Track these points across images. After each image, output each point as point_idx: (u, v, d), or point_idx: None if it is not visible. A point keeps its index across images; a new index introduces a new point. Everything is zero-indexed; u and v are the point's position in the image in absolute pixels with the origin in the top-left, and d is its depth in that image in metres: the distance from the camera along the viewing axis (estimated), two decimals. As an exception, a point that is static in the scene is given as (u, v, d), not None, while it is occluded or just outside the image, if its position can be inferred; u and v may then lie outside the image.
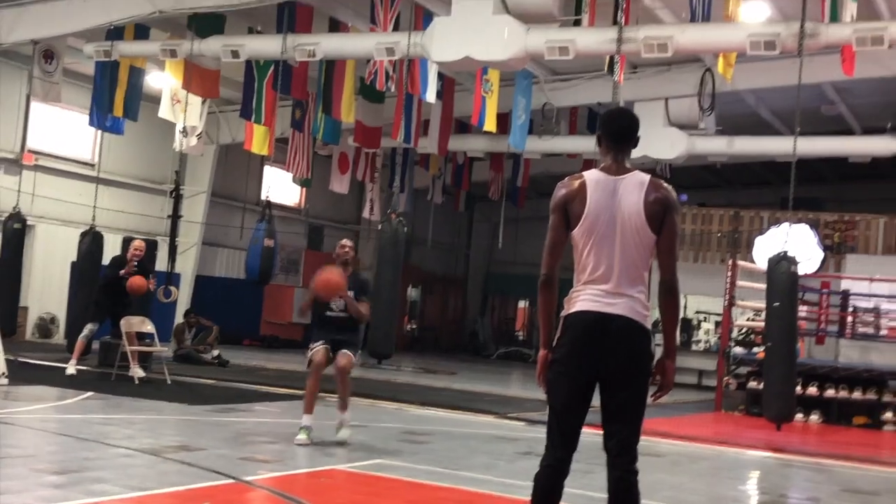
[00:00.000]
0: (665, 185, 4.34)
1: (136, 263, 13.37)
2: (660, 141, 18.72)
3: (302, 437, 8.65)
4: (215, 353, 17.15)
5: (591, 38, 13.01)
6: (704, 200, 25.02)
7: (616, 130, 4.41)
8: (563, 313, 4.35)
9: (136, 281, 13.14)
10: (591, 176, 4.35)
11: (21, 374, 12.34)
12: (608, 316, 4.19)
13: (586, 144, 18.76)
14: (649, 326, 4.28)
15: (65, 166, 20.23)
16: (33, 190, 19.16)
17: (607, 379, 4.23)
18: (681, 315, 22.54)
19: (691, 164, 21.77)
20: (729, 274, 16.74)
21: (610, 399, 4.24)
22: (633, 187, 4.27)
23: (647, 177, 4.31)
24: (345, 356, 8.86)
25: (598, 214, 4.26)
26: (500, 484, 7.33)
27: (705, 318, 24.75)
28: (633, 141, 4.44)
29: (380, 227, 16.37)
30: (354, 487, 7.11)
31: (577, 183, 4.34)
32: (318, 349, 8.86)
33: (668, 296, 4.32)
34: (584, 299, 4.28)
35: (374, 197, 23.47)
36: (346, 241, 9.17)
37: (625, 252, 4.24)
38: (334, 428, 9.01)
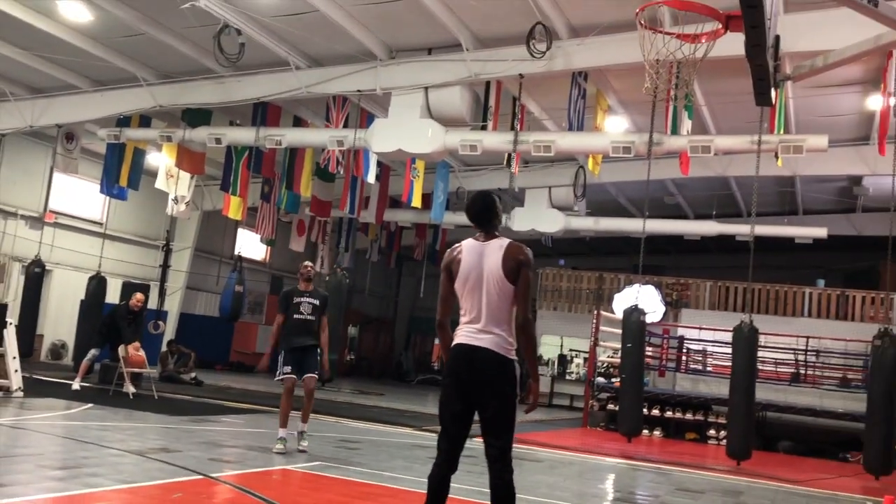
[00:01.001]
0: (520, 247, 4.40)
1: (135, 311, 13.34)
2: (544, 219, 19.09)
3: (279, 446, 8.36)
4: (193, 374, 16.75)
5: (495, 139, 13.23)
6: (577, 265, 25.39)
7: (473, 215, 4.52)
8: (450, 345, 4.40)
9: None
10: (467, 244, 4.46)
11: (35, 389, 11.92)
12: (477, 348, 4.26)
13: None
14: (513, 357, 4.30)
15: (78, 224, 19.72)
16: (52, 242, 18.64)
17: (478, 399, 4.25)
18: (556, 352, 22.76)
19: (567, 237, 22.13)
20: (594, 321, 16.97)
21: (483, 415, 4.27)
22: (495, 250, 4.37)
23: (506, 241, 4.40)
24: (311, 379, 8.65)
25: (468, 271, 4.36)
26: (414, 482, 7.29)
27: (576, 354, 24.89)
28: (490, 219, 4.48)
29: (327, 278, 16.28)
30: (300, 484, 7.00)
31: (456, 249, 4.48)
32: (287, 377, 8.54)
33: (521, 332, 4.33)
34: (461, 335, 4.37)
35: (325, 254, 23.32)
36: (308, 263, 8.95)
37: (489, 299, 4.31)
38: (296, 437, 8.75)
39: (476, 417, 4.33)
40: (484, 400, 4.24)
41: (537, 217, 19.23)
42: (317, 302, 8.80)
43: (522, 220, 19.27)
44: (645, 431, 14.84)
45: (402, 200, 18.04)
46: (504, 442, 4.24)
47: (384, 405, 16.33)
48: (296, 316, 8.70)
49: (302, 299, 8.76)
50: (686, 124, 12.77)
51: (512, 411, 4.27)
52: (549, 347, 22.94)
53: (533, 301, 19.04)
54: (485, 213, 4.50)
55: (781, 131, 12.23)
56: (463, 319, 4.39)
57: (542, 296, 23.13)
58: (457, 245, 4.48)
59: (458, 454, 4.28)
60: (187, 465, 6.94)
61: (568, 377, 22.90)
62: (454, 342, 4.35)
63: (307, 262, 8.97)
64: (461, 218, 20.65)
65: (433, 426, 12.58)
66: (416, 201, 16.50)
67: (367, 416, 13.36)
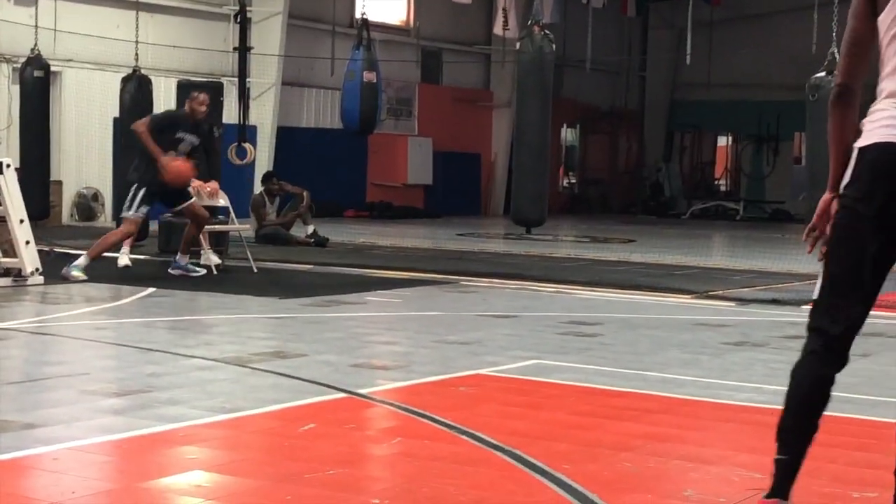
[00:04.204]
0: None
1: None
2: None
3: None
4: (310, 229, 17.40)
5: None
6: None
7: None
8: (858, 143, 4.02)
9: (175, 168, 13.05)
10: None
11: (61, 269, 12.71)
12: None
13: None
14: None
15: (93, -11, 20.46)
16: (55, 24, 19.39)
17: None
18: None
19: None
20: None
21: None
22: None
23: None
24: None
25: None
26: (702, 385, 7.26)
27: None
28: None
29: (518, 45, 16.20)
30: (505, 398, 7.15)
31: None
32: None
33: None
34: (886, 123, 3.96)
35: (509, 5, 23.16)
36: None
37: None
38: None
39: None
40: None
41: None
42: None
43: None
44: None
45: None
46: None
47: (636, 259, 16.44)
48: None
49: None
50: None
51: None
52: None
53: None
54: None
55: None
56: (890, 87, 4.01)
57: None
58: None
59: (855, 332, 4.11)
60: (317, 377, 7.25)
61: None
62: (871, 139, 4.01)
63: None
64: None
65: (728, 290, 12.53)
66: None
67: (608, 279, 13.49)
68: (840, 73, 4.07)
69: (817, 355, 4.07)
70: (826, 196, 4.13)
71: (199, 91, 13.91)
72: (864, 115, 4.07)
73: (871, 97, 4.03)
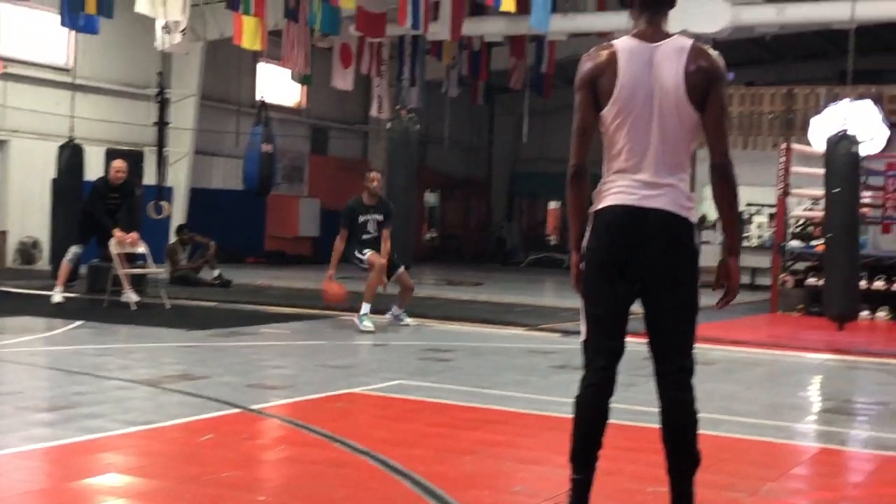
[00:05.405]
0: (710, 51, 4.07)
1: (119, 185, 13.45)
2: (700, 12, 18.30)
3: (367, 323, 11.37)
4: (216, 272, 17.24)
5: None
6: (753, 79, 24.66)
7: None
8: (593, 209, 4.13)
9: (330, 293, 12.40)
10: (623, 44, 4.06)
11: (3, 305, 12.44)
12: (646, 210, 3.98)
13: (619, 21, 18.43)
14: (694, 220, 4.08)
15: (37, 73, 20.14)
16: (4, 101, 19.14)
17: (649, 283, 4.03)
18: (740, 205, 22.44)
19: (737, 38, 21.39)
20: (782, 159, 16.54)
21: (655, 306, 4.06)
22: (672, 55, 4.01)
23: (688, 42, 4.06)
24: (406, 274, 12.20)
25: (632, 89, 3.99)
26: (532, 401, 7.36)
27: (757, 210, 24.54)
28: (671, 0, 4.17)
29: (389, 125, 16.27)
30: (374, 411, 7.17)
31: (605, 53, 4.05)
32: (370, 252, 11.59)
33: (723, 181, 4.08)
34: (616, 191, 4.06)
35: (382, 92, 23.28)
36: (376, 174, 11.83)
37: (664, 133, 4.00)
38: (392, 318, 12.28)
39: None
40: (657, 286, 4.02)
41: (690, 11, 18.45)
42: (381, 217, 11.73)
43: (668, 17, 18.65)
44: (864, 313, 14.64)
45: (486, 4, 17.65)
46: (685, 344, 4.08)
47: (483, 299, 16.55)
48: (363, 237, 11.67)
49: (368, 217, 11.68)
50: None
51: (697, 300, 4.08)
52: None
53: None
54: None
55: None
56: (614, 165, 4.09)
57: (703, 128, 22.70)
58: (604, 46, 4.10)
59: (618, 363, 4.14)
60: (218, 395, 7.17)
61: (746, 243, 22.67)
62: (607, 203, 4.06)
63: (373, 173, 11.87)
64: (576, 23, 20.22)
65: (555, 324, 12.70)
66: (508, 4, 16.12)
67: (460, 314, 13.57)
68: (573, 156, 4.18)
69: (595, 387, 4.11)
70: (574, 257, 4.22)
71: (116, 158, 14.08)
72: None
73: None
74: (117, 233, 13.07)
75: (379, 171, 12.29)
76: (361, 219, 11.68)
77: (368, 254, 11.60)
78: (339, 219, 12.16)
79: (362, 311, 11.54)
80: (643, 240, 4.00)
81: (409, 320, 12.30)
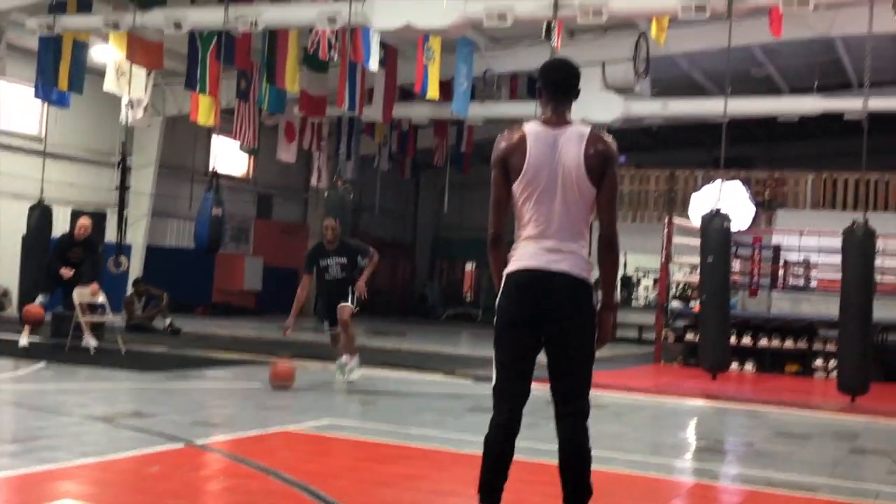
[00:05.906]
0: (605, 137, 4.18)
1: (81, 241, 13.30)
2: (597, 104, 18.73)
3: (356, 375, 10.77)
4: (168, 321, 16.96)
5: (529, 5, 12.94)
6: (641, 161, 25.16)
7: (555, 81, 4.24)
8: (506, 270, 4.20)
9: (32, 311, 13.09)
10: (531, 128, 4.17)
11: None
12: (550, 273, 4.07)
13: (528, 109, 18.65)
14: (591, 282, 4.18)
15: (11, 141, 19.80)
16: (-21, 165, 18.72)
17: (553, 336, 4.09)
18: (620, 272, 22.75)
19: (628, 127, 21.84)
20: (665, 231, 16.87)
21: (558, 356, 4.11)
22: (573, 140, 4.12)
23: (587, 129, 4.16)
24: (343, 308, 10.63)
25: (538, 168, 4.10)
26: (447, 440, 7.33)
27: (644, 274, 24.98)
28: (574, 92, 4.26)
29: (327, 194, 16.25)
30: (304, 447, 7.08)
31: (516, 136, 4.16)
32: (332, 331, 11.00)
33: (608, 249, 4.19)
34: (527, 255, 4.13)
35: (321, 165, 23.29)
36: (331, 222, 10.76)
37: (566, 206, 4.10)
38: (339, 370, 10.94)
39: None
40: (560, 339, 4.09)
41: (588, 102, 18.74)
42: (345, 260, 10.67)
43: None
44: (734, 366, 14.87)
45: (414, 91, 17.82)
46: (582, 388, 4.14)
47: (406, 347, 16.50)
48: (326, 277, 10.70)
49: (329, 261, 10.63)
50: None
51: (593, 349, 4.15)
52: (609, 267, 22.97)
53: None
54: (571, 80, 4.25)
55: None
56: (523, 233, 4.17)
57: (599, 203, 23.03)
58: (514, 130, 4.19)
59: (523, 405, 4.17)
60: (165, 431, 7.04)
61: (635, 303, 22.98)
62: (517, 266, 4.14)
63: (329, 222, 10.79)
64: (492, 110, 20.47)
65: (467, 370, 12.69)
66: (433, 92, 16.26)
67: (385, 361, 13.49)
68: (491, 224, 4.28)
69: (501, 427, 4.15)
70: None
71: (82, 216, 13.81)
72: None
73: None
74: (90, 288, 13.01)
75: (334, 218, 11.06)
76: (322, 262, 10.74)
77: (329, 325, 11.00)
78: (300, 267, 11.37)
79: (350, 364, 10.83)
80: (549, 298, 4.08)
81: (356, 374, 10.87)
